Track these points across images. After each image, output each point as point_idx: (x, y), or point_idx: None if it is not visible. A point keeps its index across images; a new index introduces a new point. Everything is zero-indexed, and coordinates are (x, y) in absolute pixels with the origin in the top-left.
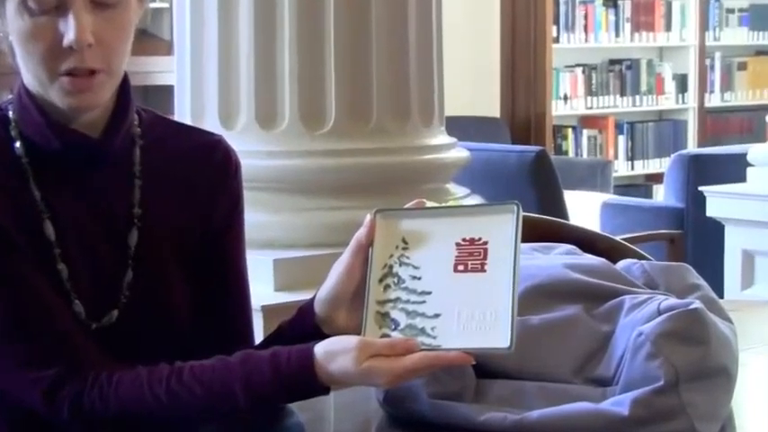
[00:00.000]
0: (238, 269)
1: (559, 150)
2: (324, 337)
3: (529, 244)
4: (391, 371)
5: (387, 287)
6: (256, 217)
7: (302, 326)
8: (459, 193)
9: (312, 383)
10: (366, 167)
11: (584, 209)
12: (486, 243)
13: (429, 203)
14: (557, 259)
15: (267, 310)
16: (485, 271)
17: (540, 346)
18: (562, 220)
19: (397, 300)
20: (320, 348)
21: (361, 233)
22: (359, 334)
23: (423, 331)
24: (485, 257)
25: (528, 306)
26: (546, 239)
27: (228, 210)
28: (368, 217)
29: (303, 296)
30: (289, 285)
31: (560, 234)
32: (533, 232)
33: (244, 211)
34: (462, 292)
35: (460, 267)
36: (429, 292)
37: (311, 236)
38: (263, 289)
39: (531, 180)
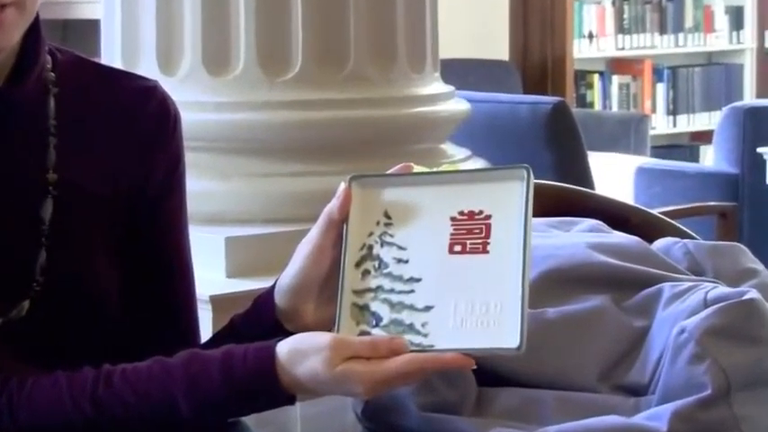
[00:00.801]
0: (180, 248)
1: (583, 102)
2: (287, 334)
3: (544, 219)
4: (372, 376)
5: (365, 273)
6: (202, 185)
7: (259, 321)
8: (458, 156)
9: (273, 391)
10: (340, 123)
11: (613, 175)
12: (488, 217)
13: (418, 168)
14: (579, 237)
15: (217, 302)
16: (487, 252)
17: (558, 346)
18: (586, 190)
19: (379, 289)
20: (284, 347)
21: (333, 206)
22: (330, 331)
23: (411, 328)
24: (487, 235)
25: (542, 296)
26: (565, 213)
27: (166, 173)
28: (341, 185)
29: (262, 284)
30: (244, 270)
31: (583, 206)
32: (550, 204)
33: (185, 175)
34: (460, 279)
35: (457, 248)
36: (418, 279)
37: (271, 209)
38: (212, 275)
39: (547, 139)
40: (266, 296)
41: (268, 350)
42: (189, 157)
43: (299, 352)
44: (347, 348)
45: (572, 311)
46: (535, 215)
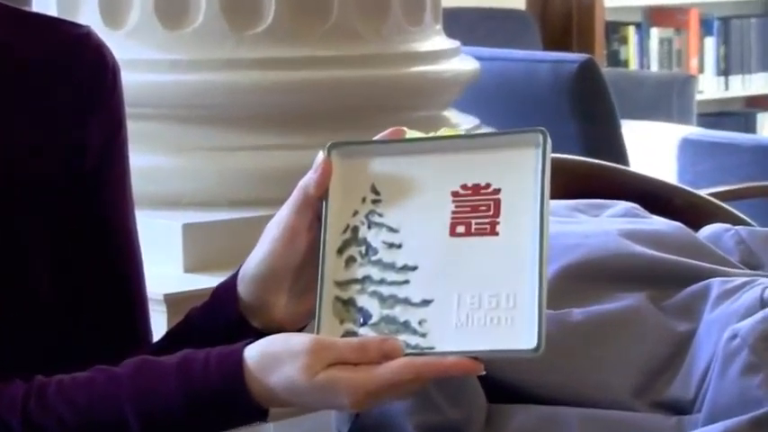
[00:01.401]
0: (126, 231)
1: (616, 60)
2: (255, 333)
3: (568, 201)
4: (360, 385)
5: (350, 261)
6: (154, 161)
7: (220, 316)
8: (464, 126)
9: (242, 404)
10: (321, 87)
11: (652, 148)
12: (497, 191)
13: (411, 133)
14: (610, 224)
15: (173, 302)
16: (496, 233)
17: (585, 355)
18: (618, 166)
19: (367, 279)
20: (254, 351)
21: (309, 179)
22: (305, 329)
23: (406, 326)
24: (496, 213)
25: (566, 294)
26: (594, 194)
27: (106, 138)
28: (320, 155)
29: None
30: (205, 264)
31: (615, 186)
32: (575, 183)
33: (127, 143)
34: (464, 267)
35: (460, 229)
36: (414, 268)
37: (238, 189)
38: (167, 269)
39: (571, 106)
40: (228, 286)
41: (235, 355)
42: (138, 128)
43: (273, 356)
44: (330, 352)
45: (601, 312)
46: (558, 196)
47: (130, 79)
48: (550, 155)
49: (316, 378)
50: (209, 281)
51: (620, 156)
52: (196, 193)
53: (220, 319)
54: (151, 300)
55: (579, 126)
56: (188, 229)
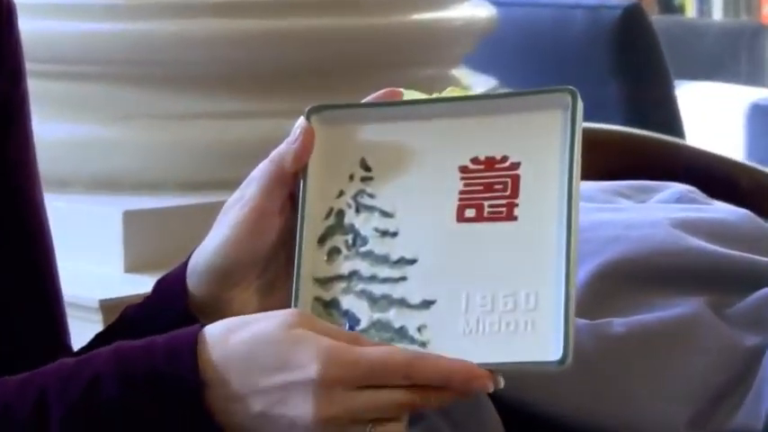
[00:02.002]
0: (34, 205)
1: (668, 5)
2: None
3: (607, 183)
4: (337, 354)
5: (334, 252)
6: (86, 132)
7: (164, 316)
8: (478, 88)
9: (182, 373)
10: (299, 39)
11: (714, 116)
12: (516, 166)
13: (410, 95)
14: (660, 211)
15: (111, 310)
16: (514, 219)
17: (628, 374)
18: (671, 139)
19: (354, 276)
20: (218, 325)
21: (285, 151)
22: None
23: (402, 334)
24: (514, 193)
25: (605, 299)
26: (641, 174)
27: (2, 92)
28: (300, 121)
29: None
30: (152, 262)
31: (667, 163)
32: (617, 159)
33: (29, 99)
34: (474, 260)
35: (470, 213)
36: (412, 261)
37: (192, 168)
38: (103, 269)
39: (613, 63)
40: (174, 280)
41: (191, 329)
42: (65, 90)
43: (242, 319)
44: (317, 321)
45: (648, 323)
46: (595, 176)
47: (53, 29)
48: (582, 120)
49: (291, 331)
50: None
51: (674, 125)
52: (139, 172)
53: (164, 320)
54: (83, 307)
55: (622, 88)
56: (129, 217)
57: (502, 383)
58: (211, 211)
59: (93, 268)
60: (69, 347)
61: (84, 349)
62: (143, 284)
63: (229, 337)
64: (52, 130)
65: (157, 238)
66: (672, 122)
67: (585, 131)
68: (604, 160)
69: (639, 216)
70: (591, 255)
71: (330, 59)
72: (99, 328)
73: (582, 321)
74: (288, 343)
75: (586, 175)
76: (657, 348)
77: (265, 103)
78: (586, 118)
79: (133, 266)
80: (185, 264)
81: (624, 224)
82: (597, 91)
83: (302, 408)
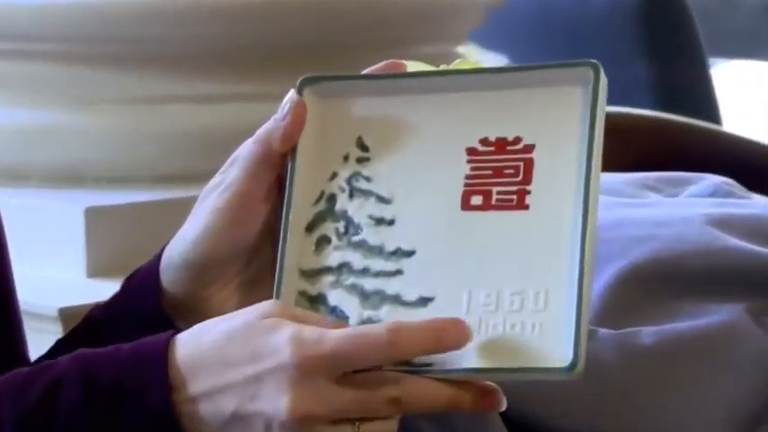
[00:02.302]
0: None
1: None
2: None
3: (633, 174)
4: (312, 341)
5: (323, 242)
6: (45, 118)
7: (134, 317)
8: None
9: (151, 377)
10: (286, 11)
11: (752, 98)
12: (529, 149)
13: (413, 66)
14: (693, 206)
15: (71, 318)
16: (526, 207)
17: (657, 391)
18: (706, 124)
19: (345, 268)
20: (193, 329)
21: (274, 128)
22: None
23: None
24: (527, 179)
25: (632, 305)
26: (672, 163)
27: None
28: (290, 94)
29: None
30: (118, 265)
31: (701, 152)
32: (645, 147)
33: None
34: (479, 253)
35: (477, 200)
36: (409, 253)
37: (165, 160)
38: (64, 273)
39: (640, 38)
40: (146, 276)
41: (162, 336)
42: (19, 71)
43: (217, 320)
44: (293, 312)
45: (680, 332)
46: (621, 166)
47: (3, 2)
48: (605, 98)
49: (264, 321)
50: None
51: (708, 109)
52: (104, 164)
53: (134, 322)
54: (41, 316)
55: (650, 69)
56: (93, 215)
57: (504, 403)
58: (187, 208)
59: (51, 272)
60: (27, 360)
61: (44, 357)
62: (108, 291)
63: (201, 339)
64: (4, 116)
65: (125, 238)
66: (706, 106)
67: (609, 117)
68: (631, 149)
69: (670, 212)
70: (615, 256)
71: (322, 35)
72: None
73: (605, 331)
74: (259, 332)
75: (611, 166)
76: (688, 362)
77: (250, 84)
78: (610, 102)
79: (97, 270)
80: (158, 258)
81: (653, 221)
82: (622, 72)
83: (277, 401)
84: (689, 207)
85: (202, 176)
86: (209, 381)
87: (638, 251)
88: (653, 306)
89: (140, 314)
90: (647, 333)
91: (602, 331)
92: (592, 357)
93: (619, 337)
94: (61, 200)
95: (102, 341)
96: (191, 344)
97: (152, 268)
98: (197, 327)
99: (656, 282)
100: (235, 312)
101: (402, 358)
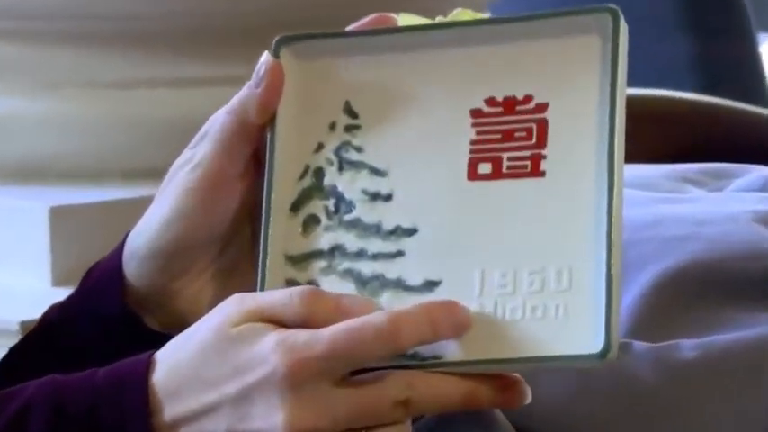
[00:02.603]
0: None
1: None
2: (151, 338)
3: (671, 166)
4: (299, 344)
5: (311, 222)
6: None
7: (95, 315)
8: None
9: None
10: None
11: None
12: (543, 108)
13: (406, 20)
14: (739, 202)
15: None
16: (541, 174)
17: (698, 412)
18: (755, 108)
19: (337, 251)
20: (168, 346)
21: (248, 97)
22: None
23: None
24: (541, 143)
25: (671, 314)
26: (716, 153)
27: None
28: (264, 57)
29: None
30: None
31: (751, 140)
32: (685, 134)
33: None
34: (490, 229)
35: (485, 168)
36: (411, 232)
37: (138, 153)
38: (25, 281)
39: (682, 13)
40: (106, 268)
41: (140, 358)
42: None
43: (188, 333)
44: (258, 302)
45: (726, 345)
46: (659, 156)
47: None
48: (626, 48)
49: (234, 329)
50: None
51: (758, 91)
52: (71, 157)
53: (95, 322)
54: (1, 330)
55: (693, 46)
56: (59, 215)
57: (529, 396)
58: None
59: (11, 281)
60: None
61: None
62: None
63: (179, 357)
64: None
65: (95, 241)
66: (755, 87)
67: (645, 101)
68: (669, 137)
69: (713, 209)
70: (651, 259)
71: (311, 11)
72: None
73: (640, 344)
74: (235, 342)
75: (646, 157)
76: (737, 378)
77: (233, 66)
78: (648, 82)
79: (63, 278)
80: (120, 248)
81: (693, 220)
82: (661, 48)
83: (272, 418)
84: (735, 203)
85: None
86: (191, 403)
87: (677, 253)
88: (694, 315)
89: (101, 313)
90: (688, 346)
91: (637, 344)
92: (626, 374)
93: (656, 351)
94: (22, 198)
95: (60, 346)
96: (168, 364)
97: (113, 260)
98: (172, 343)
99: (698, 288)
100: (200, 322)
101: (403, 350)
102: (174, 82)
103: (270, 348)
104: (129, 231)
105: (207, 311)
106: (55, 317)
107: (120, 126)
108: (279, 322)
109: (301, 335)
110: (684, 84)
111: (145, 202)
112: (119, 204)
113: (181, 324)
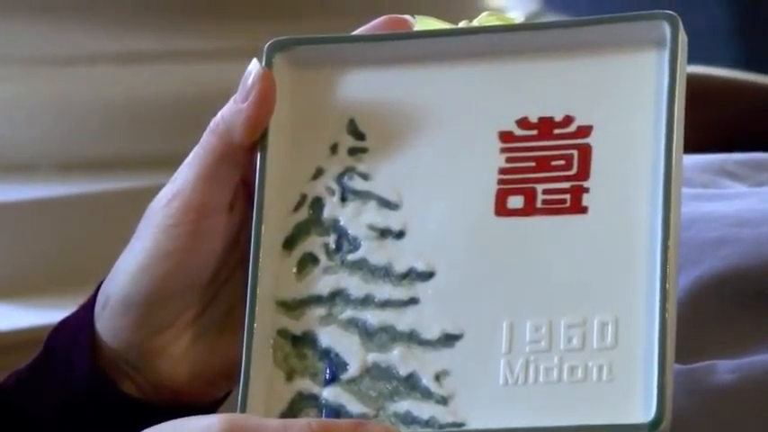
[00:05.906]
0: None
1: None
2: (126, 407)
3: (707, 156)
4: None
5: (308, 262)
6: None
7: (61, 381)
8: (516, 16)
9: None
10: None
11: None
12: (586, 132)
13: (424, 24)
14: None
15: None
16: (583, 211)
17: None
18: None
19: (339, 297)
20: None
21: (231, 116)
22: (231, 407)
23: (411, 384)
24: (584, 173)
25: (705, 329)
26: (758, 141)
27: None
28: (253, 65)
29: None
30: (18, 284)
31: None
32: (728, 119)
33: None
34: (521, 272)
35: (516, 202)
36: (427, 275)
37: (82, 141)
38: None
39: None
40: (75, 325)
41: None
42: None
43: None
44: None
45: None
46: (692, 145)
47: None
48: (685, 62)
49: None
50: (44, 316)
51: None
52: (2, 147)
53: (62, 390)
54: None
55: (731, 14)
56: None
57: None
58: (114, 206)
59: None
60: None
61: None
62: (7, 318)
63: None
64: None
65: (29, 246)
66: None
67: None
68: (703, 121)
69: (755, 207)
70: (684, 264)
71: None
72: None
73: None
74: None
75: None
76: None
77: (186, 39)
78: None
79: (6, 291)
80: (92, 299)
81: (733, 219)
82: (696, 19)
83: None
84: None
85: (132, 163)
86: None
87: (714, 258)
88: (732, 330)
89: (68, 376)
90: (726, 368)
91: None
92: None
93: (690, 374)
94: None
95: (23, 418)
96: None
97: (83, 314)
98: None
99: (736, 298)
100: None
101: None
102: (116, 57)
103: None
104: (103, 280)
105: (193, 378)
106: (11, 384)
107: (55, 109)
108: None
109: None
110: (722, 58)
111: (87, 199)
112: (53, 202)
113: (163, 389)
